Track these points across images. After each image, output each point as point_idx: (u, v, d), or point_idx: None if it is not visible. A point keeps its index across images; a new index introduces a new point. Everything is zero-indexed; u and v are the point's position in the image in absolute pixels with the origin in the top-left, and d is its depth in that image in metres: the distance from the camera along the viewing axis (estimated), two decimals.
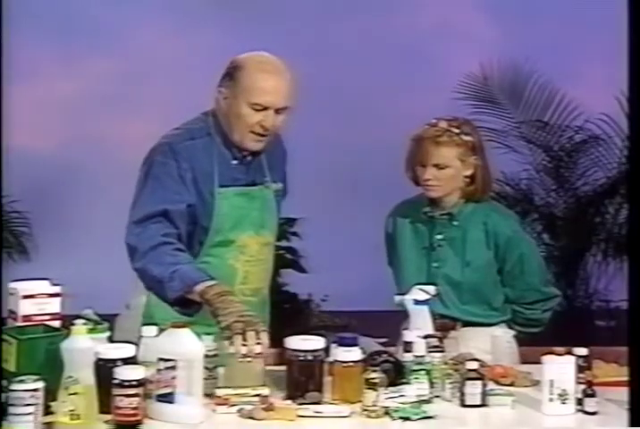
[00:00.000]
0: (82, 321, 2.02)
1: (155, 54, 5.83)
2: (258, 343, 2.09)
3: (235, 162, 2.45)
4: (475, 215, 2.64)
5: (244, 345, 2.08)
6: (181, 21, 5.81)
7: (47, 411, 2.00)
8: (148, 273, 2.27)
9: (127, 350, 2.08)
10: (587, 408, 2.11)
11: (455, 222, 2.64)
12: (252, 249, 2.46)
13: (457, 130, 2.60)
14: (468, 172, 2.62)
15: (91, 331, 2.19)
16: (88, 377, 1.96)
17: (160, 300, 2.32)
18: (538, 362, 2.17)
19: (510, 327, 2.67)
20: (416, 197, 2.71)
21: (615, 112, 5.10)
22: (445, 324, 2.54)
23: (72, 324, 2.09)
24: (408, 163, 2.66)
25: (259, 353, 2.09)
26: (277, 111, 2.38)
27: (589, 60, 5.72)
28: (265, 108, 2.36)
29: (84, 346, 1.98)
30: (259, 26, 5.38)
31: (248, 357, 2.08)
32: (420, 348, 2.24)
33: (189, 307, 2.25)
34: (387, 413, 2.07)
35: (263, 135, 2.40)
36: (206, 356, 2.09)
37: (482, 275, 2.63)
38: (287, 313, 4.81)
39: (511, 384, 2.28)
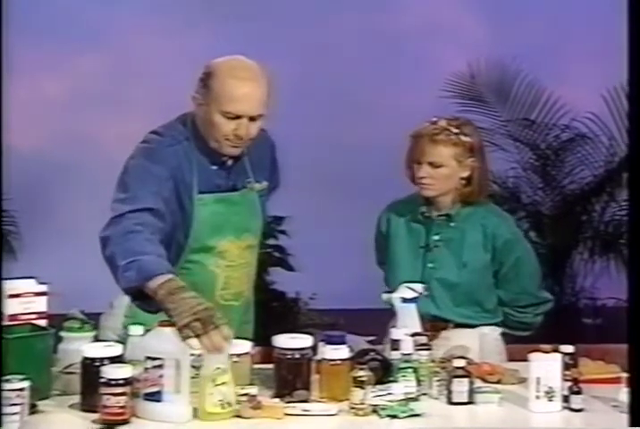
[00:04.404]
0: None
1: (145, 54, 5.81)
2: (224, 338, 2.00)
3: (215, 167, 2.41)
4: (473, 217, 2.63)
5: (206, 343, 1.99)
6: (171, 21, 5.80)
7: (33, 410, 2.00)
8: (113, 260, 2.16)
9: (114, 349, 2.08)
10: (573, 406, 2.12)
11: (452, 224, 2.62)
12: (233, 254, 2.43)
13: (455, 130, 2.57)
14: (465, 174, 2.59)
15: (78, 330, 2.19)
16: (228, 368, 2.02)
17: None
18: (525, 360, 2.17)
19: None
20: (410, 196, 2.69)
21: (601, 110, 5.13)
22: (436, 325, 2.55)
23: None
24: (407, 160, 2.64)
25: (225, 348, 2.01)
26: (251, 118, 2.33)
27: (576, 59, 5.74)
28: (239, 116, 2.31)
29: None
30: (248, 26, 5.38)
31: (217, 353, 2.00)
32: (408, 346, 2.24)
33: (147, 303, 2.14)
34: (374, 411, 2.08)
35: (240, 142, 2.35)
36: (194, 354, 2.08)
37: (478, 277, 2.61)
38: (275, 311, 4.81)
39: (498, 382, 2.29)
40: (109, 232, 2.22)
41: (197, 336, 2.00)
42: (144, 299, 2.14)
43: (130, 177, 2.33)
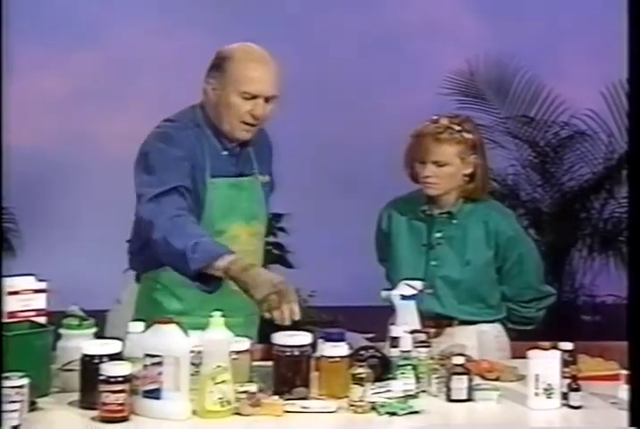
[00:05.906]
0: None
1: (144, 53, 5.82)
2: (293, 313, 2.15)
3: (225, 153, 2.48)
4: (474, 214, 2.62)
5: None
6: (169, 18, 5.80)
7: (32, 407, 2.00)
8: (169, 244, 2.26)
9: (113, 346, 2.08)
10: (572, 403, 2.12)
11: (454, 221, 2.61)
12: (242, 240, 2.47)
13: (458, 128, 2.57)
14: (468, 171, 2.59)
15: (77, 327, 2.19)
16: (228, 366, 2.03)
17: (178, 276, 2.33)
18: (524, 357, 2.18)
19: (504, 324, 2.67)
20: (411, 194, 2.68)
21: (601, 108, 5.13)
22: (440, 322, 2.55)
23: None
24: (407, 159, 2.63)
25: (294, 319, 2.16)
26: (266, 99, 2.42)
27: (575, 56, 5.74)
28: (255, 97, 2.40)
29: (223, 337, 2.04)
30: (246, 23, 5.38)
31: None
32: (407, 343, 2.24)
33: (208, 283, 2.27)
34: (374, 408, 2.08)
35: (253, 124, 2.43)
36: (193, 352, 2.08)
37: (481, 274, 2.61)
38: None
39: (497, 379, 2.29)
40: (148, 215, 2.32)
41: (273, 308, 2.13)
42: (202, 280, 2.26)
43: (152, 160, 2.41)
